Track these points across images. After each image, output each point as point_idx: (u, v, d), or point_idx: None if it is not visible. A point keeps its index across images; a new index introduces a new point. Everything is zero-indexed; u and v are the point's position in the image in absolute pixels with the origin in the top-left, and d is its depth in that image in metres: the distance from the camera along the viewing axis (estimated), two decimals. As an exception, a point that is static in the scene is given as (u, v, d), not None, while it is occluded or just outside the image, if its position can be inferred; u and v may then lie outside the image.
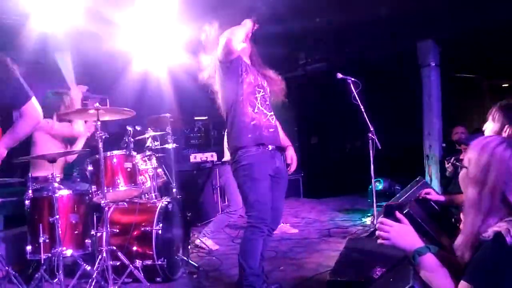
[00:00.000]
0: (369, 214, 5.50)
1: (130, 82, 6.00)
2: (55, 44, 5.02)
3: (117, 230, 3.43)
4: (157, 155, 4.10)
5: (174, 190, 4.35)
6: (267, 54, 3.21)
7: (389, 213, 1.68)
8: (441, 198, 2.76)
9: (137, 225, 3.50)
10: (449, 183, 4.96)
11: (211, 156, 6.39)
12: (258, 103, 2.81)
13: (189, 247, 4.10)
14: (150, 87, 6.32)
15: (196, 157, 6.35)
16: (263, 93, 2.88)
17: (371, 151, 4.70)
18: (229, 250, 4.42)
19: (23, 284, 3.00)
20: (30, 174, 3.48)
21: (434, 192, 2.84)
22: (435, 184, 6.02)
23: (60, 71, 4.59)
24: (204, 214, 6.14)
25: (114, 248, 3.24)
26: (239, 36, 2.76)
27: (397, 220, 1.62)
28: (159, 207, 3.56)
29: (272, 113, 2.93)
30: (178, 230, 3.87)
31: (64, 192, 3.37)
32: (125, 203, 3.65)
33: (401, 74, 6.69)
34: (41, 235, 3.17)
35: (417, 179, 5.11)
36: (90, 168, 3.55)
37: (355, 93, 4.68)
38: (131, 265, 3.22)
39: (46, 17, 4.70)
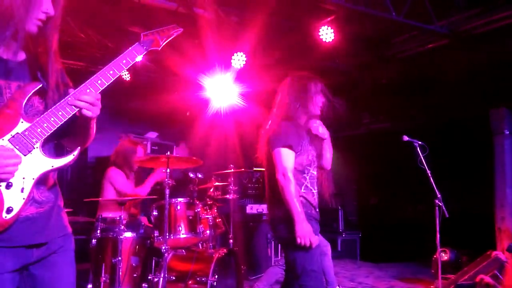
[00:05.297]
0: (432, 287, 5.13)
1: (196, 131, 6.27)
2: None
3: (174, 277, 3.47)
4: (217, 204, 4.16)
5: (230, 241, 4.36)
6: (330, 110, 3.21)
7: None
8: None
9: (193, 274, 3.52)
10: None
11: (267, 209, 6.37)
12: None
13: (241, 301, 4.02)
14: (216, 136, 6.55)
15: (252, 208, 6.37)
16: None
17: (437, 219, 4.46)
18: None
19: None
20: (100, 215, 3.65)
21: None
22: (507, 260, 5.54)
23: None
24: (257, 267, 6.04)
25: (169, 295, 3.26)
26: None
27: None
28: (215, 258, 3.56)
29: None
30: (232, 283, 3.83)
31: (128, 235, 3.49)
32: (183, 250, 3.70)
33: (473, 141, 6.44)
34: (103, 274, 3.27)
35: (488, 253, 4.78)
36: (155, 213, 3.67)
37: (421, 157, 4.54)
38: (184, 315, 3.21)
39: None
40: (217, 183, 4.24)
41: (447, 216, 4.40)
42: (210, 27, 4.77)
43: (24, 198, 1.39)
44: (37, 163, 1.41)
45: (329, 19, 4.88)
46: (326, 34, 4.93)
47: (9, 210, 1.36)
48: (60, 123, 1.43)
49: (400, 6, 4.61)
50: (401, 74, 6.10)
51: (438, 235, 4.49)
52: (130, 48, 1.54)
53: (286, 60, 5.67)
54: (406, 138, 4.56)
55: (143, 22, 4.60)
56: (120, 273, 3.18)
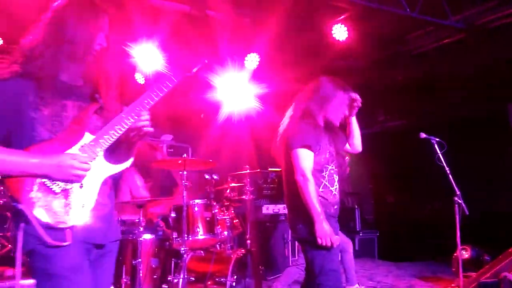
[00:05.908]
0: (453, 285, 5.05)
1: (211, 132, 6.29)
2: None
3: (193, 278, 3.48)
4: (234, 205, 4.17)
5: (248, 241, 4.36)
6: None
7: None
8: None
9: (212, 274, 3.53)
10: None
11: (283, 209, 6.36)
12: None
13: (259, 302, 4.02)
14: (230, 137, 6.56)
15: (268, 208, 6.36)
16: None
17: (457, 216, 4.39)
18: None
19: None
20: (119, 218, 3.69)
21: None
22: (530, 257, 5.43)
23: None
24: (275, 267, 6.03)
25: (189, 296, 3.27)
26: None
27: None
28: (234, 259, 3.57)
29: None
30: (250, 283, 3.84)
31: (148, 236, 3.51)
32: (202, 252, 3.71)
33: (491, 136, 6.32)
34: (123, 276, 3.30)
35: (510, 250, 4.69)
36: (173, 214, 3.69)
37: (439, 154, 4.47)
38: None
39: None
40: (233, 184, 4.25)
41: (467, 213, 4.32)
42: (223, 29, 4.78)
43: (93, 197, 1.64)
44: (102, 168, 1.67)
45: (342, 17, 4.85)
46: (340, 32, 4.90)
47: (82, 207, 1.60)
48: (118, 135, 1.68)
49: (414, 2, 4.56)
50: (417, 70, 6.04)
51: (458, 233, 4.42)
52: (166, 75, 1.79)
53: (300, 59, 5.65)
54: (423, 135, 4.49)
55: (156, 25, 4.63)
56: (141, 274, 3.20)
